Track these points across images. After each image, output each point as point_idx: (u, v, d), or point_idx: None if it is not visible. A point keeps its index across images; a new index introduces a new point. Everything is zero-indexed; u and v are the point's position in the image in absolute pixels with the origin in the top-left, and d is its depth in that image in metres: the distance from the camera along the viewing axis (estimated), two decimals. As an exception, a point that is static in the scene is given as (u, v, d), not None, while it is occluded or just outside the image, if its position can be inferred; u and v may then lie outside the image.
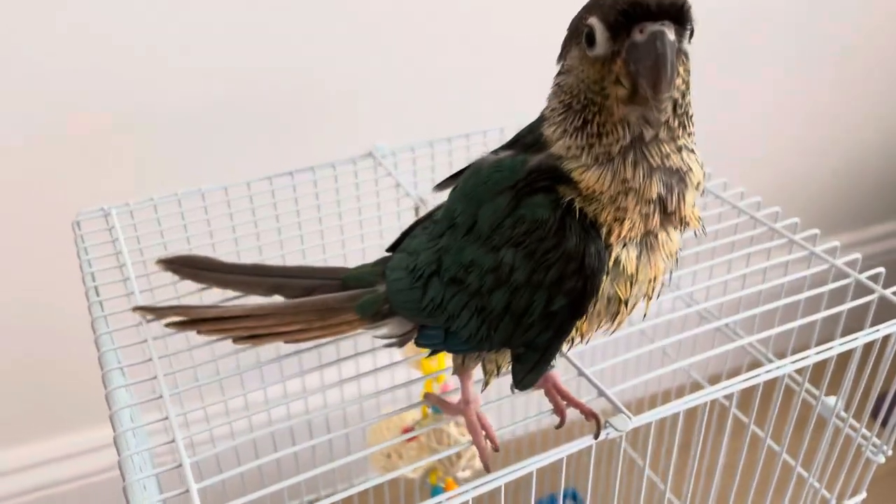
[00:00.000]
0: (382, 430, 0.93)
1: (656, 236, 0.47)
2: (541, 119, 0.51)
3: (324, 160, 0.84)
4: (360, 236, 0.85)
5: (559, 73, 0.48)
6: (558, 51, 0.49)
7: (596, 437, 0.51)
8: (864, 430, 0.70)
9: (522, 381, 0.51)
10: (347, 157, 0.85)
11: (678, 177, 0.46)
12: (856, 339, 0.59)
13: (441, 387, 0.89)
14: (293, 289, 0.64)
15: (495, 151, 0.53)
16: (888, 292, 0.64)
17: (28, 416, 1.15)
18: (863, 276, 0.66)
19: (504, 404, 0.59)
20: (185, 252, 0.74)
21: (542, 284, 0.46)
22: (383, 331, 0.61)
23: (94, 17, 0.90)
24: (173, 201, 0.79)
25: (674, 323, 0.72)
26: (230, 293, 0.68)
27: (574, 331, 0.48)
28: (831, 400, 0.70)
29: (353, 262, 0.82)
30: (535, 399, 0.59)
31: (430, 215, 0.61)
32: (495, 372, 0.55)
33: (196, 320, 0.60)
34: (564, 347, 0.51)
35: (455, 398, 0.60)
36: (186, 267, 0.67)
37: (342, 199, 0.84)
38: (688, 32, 0.44)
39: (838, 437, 0.70)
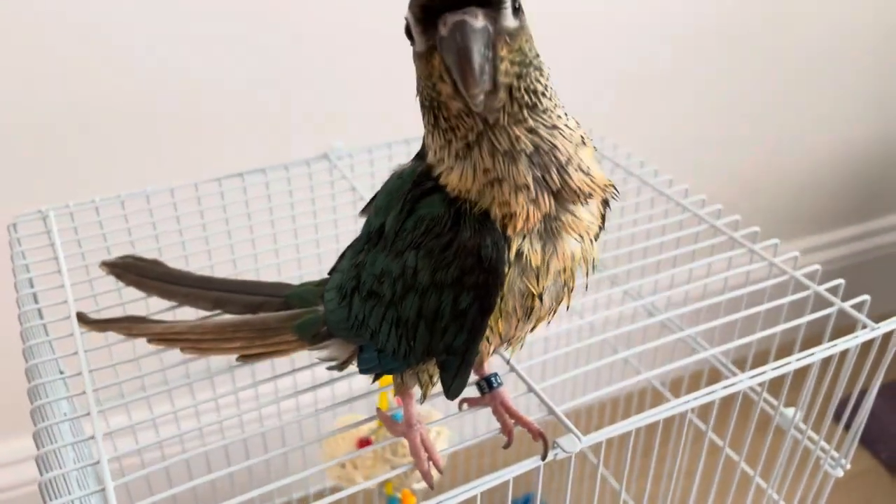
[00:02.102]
0: (337, 440, 0.91)
1: (559, 219, 0.45)
2: None
3: (277, 162, 0.81)
4: (314, 241, 0.82)
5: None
6: None
7: (543, 458, 0.49)
8: (822, 443, 0.69)
9: (451, 389, 0.49)
10: (301, 158, 0.82)
11: (547, 155, 0.43)
12: (812, 353, 0.58)
13: (396, 399, 0.87)
14: (236, 305, 0.62)
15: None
16: (846, 305, 0.62)
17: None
18: (821, 288, 0.65)
19: (452, 421, 0.56)
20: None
21: (446, 283, 0.45)
22: (324, 353, 0.58)
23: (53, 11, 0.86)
24: (116, 203, 0.75)
25: (634, 331, 0.70)
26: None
27: (490, 330, 0.46)
28: (790, 411, 0.69)
29: (307, 267, 0.80)
30: (486, 415, 0.57)
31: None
32: (429, 383, 0.53)
33: (139, 335, 0.59)
34: (488, 350, 0.50)
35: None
36: (131, 273, 0.65)
37: (296, 202, 0.82)
38: (507, 9, 0.40)
39: (797, 449, 0.69)
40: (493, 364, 0.58)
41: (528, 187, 0.43)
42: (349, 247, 0.57)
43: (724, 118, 1.32)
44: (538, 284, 0.45)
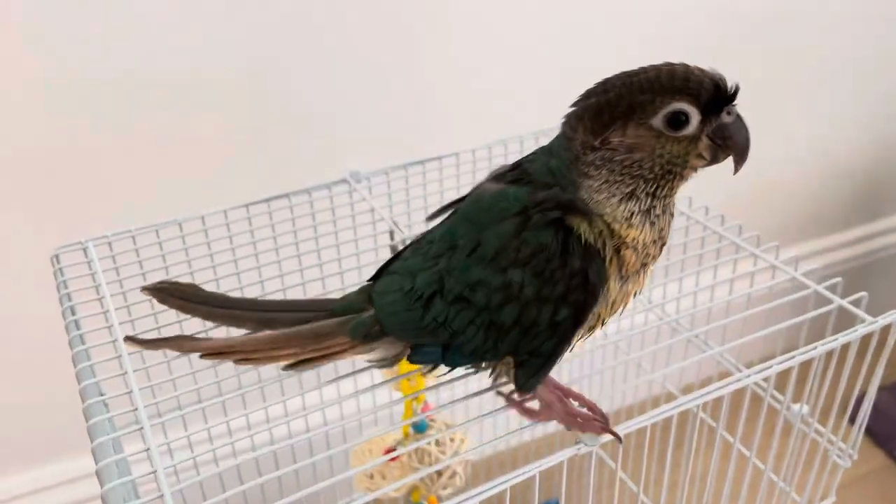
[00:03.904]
0: (365, 452, 0.94)
1: (637, 273, 0.56)
2: (544, 162, 0.56)
3: (299, 185, 0.85)
4: (337, 262, 0.86)
5: (606, 149, 0.53)
6: (586, 123, 0.54)
7: (620, 440, 0.56)
8: (829, 436, 0.72)
9: (526, 385, 0.57)
10: (323, 182, 0.86)
11: (665, 235, 0.56)
12: (815, 348, 0.62)
13: (421, 407, 0.91)
14: (282, 323, 0.64)
15: (490, 180, 0.59)
16: (845, 302, 0.66)
17: (6, 448, 1.15)
18: (821, 287, 0.69)
19: (473, 426, 0.60)
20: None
21: (550, 298, 0.52)
22: (375, 352, 0.63)
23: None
24: (151, 232, 0.79)
25: (647, 335, 0.74)
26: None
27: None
28: (798, 407, 0.73)
29: (330, 287, 0.84)
30: (508, 419, 0.60)
31: (418, 241, 0.64)
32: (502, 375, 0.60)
33: (191, 351, 0.63)
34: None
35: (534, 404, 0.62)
36: (173, 296, 0.67)
37: (318, 225, 0.86)
38: None
39: (806, 443, 0.73)
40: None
41: (657, 242, 0.55)
42: (411, 249, 0.63)
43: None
44: (608, 311, 0.56)
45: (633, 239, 0.54)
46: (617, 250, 0.53)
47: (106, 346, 0.66)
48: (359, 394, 0.65)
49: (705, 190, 0.99)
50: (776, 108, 1.40)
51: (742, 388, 0.60)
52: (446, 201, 0.91)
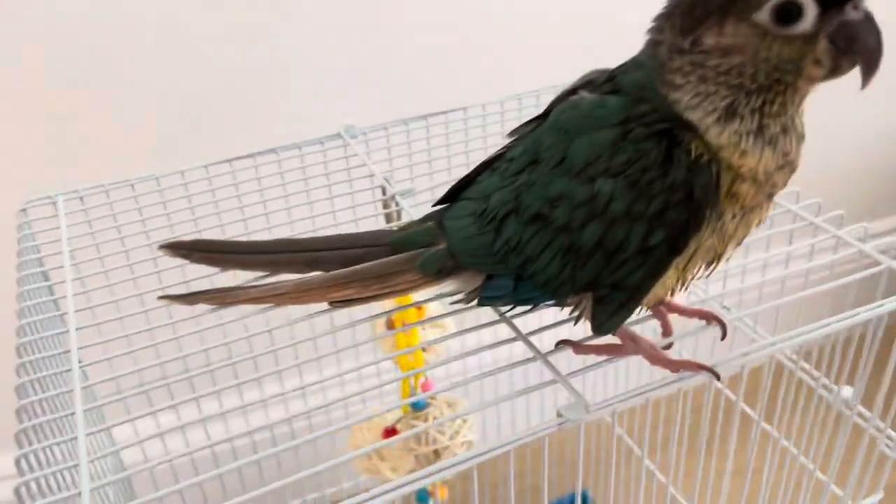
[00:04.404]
0: (364, 432, 0.89)
1: (759, 206, 0.47)
2: (636, 78, 0.48)
3: (289, 141, 0.78)
4: (332, 219, 0.78)
5: (698, 52, 0.44)
6: (675, 21, 0.45)
7: (723, 337, 0.52)
8: (877, 422, 0.62)
9: (603, 326, 0.49)
10: (315, 137, 0.79)
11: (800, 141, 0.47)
12: (856, 314, 0.53)
13: (422, 385, 0.84)
14: (333, 262, 0.57)
15: (581, 88, 0.51)
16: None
17: None
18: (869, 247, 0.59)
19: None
20: (143, 241, 0.70)
21: (643, 215, 0.44)
22: (449, 288, 0.57)
23: None
24: (126, 187, 0.74)
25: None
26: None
27: (677, 273, 0.47)
28: (839, 388, 0.64)
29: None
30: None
31: (495, 159, 0.57)
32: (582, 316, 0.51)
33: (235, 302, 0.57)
34: (666, 294, 0.50)
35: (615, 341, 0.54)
36: (198, 251, 0.61)
37: (310, 181, 0.79)
38: None
39: (849, 429, 0.63)
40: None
41: (784, 168, 0.46)
42: (488, 171, 0.56)
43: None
44: (726, 245, 0.48)
45: (751, 169, 0.45)
46: (732, 181, 0.45)
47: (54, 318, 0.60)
48: (343, 375, 0.58)
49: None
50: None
51: (780, 369, 0.52)
52: (453, 164, 0.85)
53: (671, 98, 0.45)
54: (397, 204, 0.71)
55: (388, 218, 0.73)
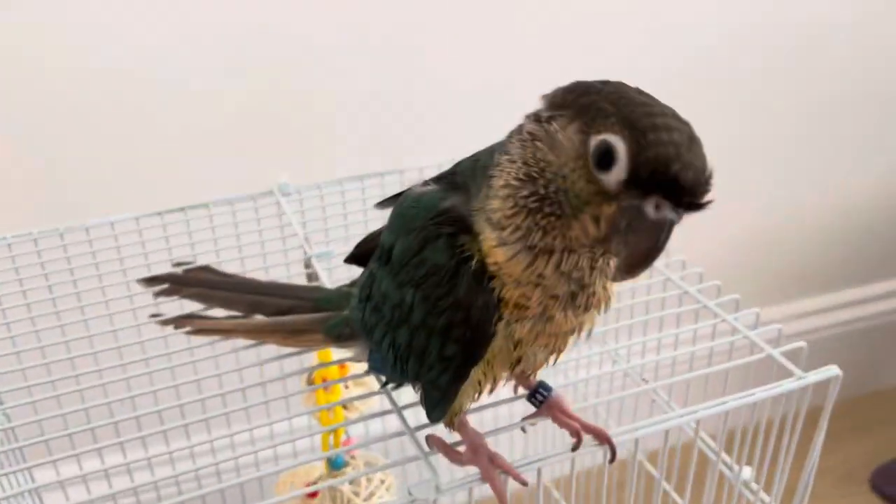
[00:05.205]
0: (288, 484, 0.88)
1: (553, 318, 0.46)
2: (482, 157, 0.47)
3: (219, 196, 0.80)
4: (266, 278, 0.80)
5: (538, 133, 0.42)
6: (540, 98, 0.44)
7: (611, 461, 0.51)
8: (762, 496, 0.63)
9: (431, 416, 0.51)
10: (247, 194, 0.81)
11: (589, 287, 0.45)
12: (752, 394, 0.55)
13: (343, 441, 0.84)
14: (269, 308, 0.63)
15: (428, 181, 0.51)
16: (776, 352, 0.58)
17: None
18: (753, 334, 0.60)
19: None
20: (71, 290, 0.72)
21: (435, 329, 0.46)
22: (350, 353, 0.61)
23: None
24: (55, 236, 0.75)
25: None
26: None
27: (483, 374, 0.48)
28: (746, 470, 0.64)
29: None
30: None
31: None
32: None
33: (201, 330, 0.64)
34: (483, 391, 0.50)
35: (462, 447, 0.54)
36: (175, 284, 0.66)
37: (242, 237, 0.80)
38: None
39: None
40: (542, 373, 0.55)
41: (557, 298, 0.44)
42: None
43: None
44: (521, 350, 0.47)
45: (497, 264, 0.43)
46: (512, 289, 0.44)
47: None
48: (273, 423, 0.61)
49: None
50: (772, 154, 1.30)
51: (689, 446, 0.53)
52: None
53: (496, 174, 0.44)
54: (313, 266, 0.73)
55: (309, 278, 0.75)
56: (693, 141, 0.39)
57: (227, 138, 1.01)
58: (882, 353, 1.50)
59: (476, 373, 0.47)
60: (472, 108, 1.10)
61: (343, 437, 0.83)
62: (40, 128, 0.94)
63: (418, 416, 0.54)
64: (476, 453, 0.50)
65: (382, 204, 0.57)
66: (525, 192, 0.42)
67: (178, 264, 0.71)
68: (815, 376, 0.54)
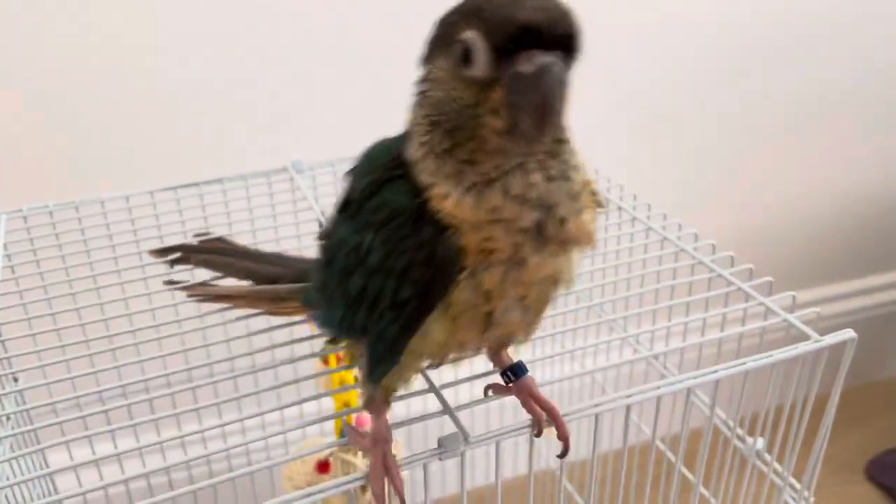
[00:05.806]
0: (297, 465, 0.89)
1: (525, 261, 0.43)
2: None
3: (234, 172, 0.80)
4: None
5: (424, 80, 0.43)
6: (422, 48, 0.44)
7: (562, 456, 0.50)
8: (776, 466, 0.63)
9: (372, 374, 0.48)
10: (261, 171, 0.81)
11: (554, 207, 0.42)
12: (770, 356, 0.55)
13: (356, 420, 0.84)
14: (262, 275, 0.65)
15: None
16: (792, 317, 0.58)
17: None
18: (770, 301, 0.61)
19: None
20: (84, 262, 0.72)
21: (394, 271, 0.43)
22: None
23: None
24: (70, 208, 0.75)
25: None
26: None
27: (449, 335, 0.45)
28: (752, 440, 0.65)
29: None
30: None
31: None
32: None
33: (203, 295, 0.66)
34: (446, 357, 0.49)
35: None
36: (187, 252, 0.69)
37: (255, 211, 0.81)
38: (577, 58, 0.39)
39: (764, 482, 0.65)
40: (519, 352, 0.54)
41: (524, 232, 0.42)
42: None
43: (735, 165, 1.29)
44: (490, 304, 0.44)
45: (451, 215, 0.42)
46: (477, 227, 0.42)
47: None
48: (283, 408, 0.58)
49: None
50: (792, 145, 1.31)
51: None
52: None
53: (410, 153, 0.44)
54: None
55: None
56: None
57: (242, 116, 1.01)
58: (878, 344, 1.52)
59: (438, 331, 0.45)
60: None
61: (355, 416, 0.84)
62: (60, 102, 0.94)
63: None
64: (375, 446, 0.50)
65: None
66: (437, 140, 0.42)
67: (197, 235, 0.72)
68: (831, 338, 0.55)
